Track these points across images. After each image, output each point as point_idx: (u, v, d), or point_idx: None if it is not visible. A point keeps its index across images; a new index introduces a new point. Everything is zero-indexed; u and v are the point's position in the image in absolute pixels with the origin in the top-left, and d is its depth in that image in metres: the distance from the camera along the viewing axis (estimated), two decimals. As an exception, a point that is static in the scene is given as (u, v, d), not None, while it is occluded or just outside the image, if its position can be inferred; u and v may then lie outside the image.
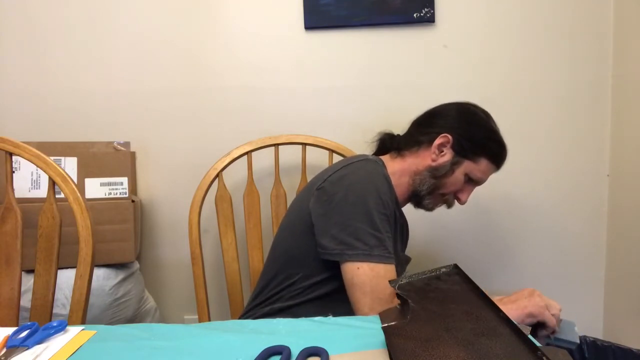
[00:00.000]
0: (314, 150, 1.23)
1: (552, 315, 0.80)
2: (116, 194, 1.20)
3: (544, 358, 0.44)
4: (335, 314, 0.68)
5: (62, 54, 1.34)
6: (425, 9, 1.29)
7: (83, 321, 0.85)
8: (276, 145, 1.20)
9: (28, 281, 1.01)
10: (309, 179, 1.08)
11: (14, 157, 0.89)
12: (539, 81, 1.34)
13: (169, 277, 1.41)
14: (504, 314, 0.53)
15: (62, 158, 1.16)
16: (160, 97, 1.35)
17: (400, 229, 0.97)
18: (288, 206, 1.05)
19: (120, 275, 1.19)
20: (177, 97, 1.35)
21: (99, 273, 1.15)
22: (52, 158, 0.88)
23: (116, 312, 1.19)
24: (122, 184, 1.20)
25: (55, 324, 0.62)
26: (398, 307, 0.59)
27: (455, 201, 0.99)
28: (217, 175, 1.15)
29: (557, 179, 1.37)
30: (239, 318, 0.99)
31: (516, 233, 1.39)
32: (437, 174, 0.93)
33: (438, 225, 1.38)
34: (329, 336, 0.58)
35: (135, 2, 1.33)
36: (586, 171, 1.36)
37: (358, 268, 0.79)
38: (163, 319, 1.40)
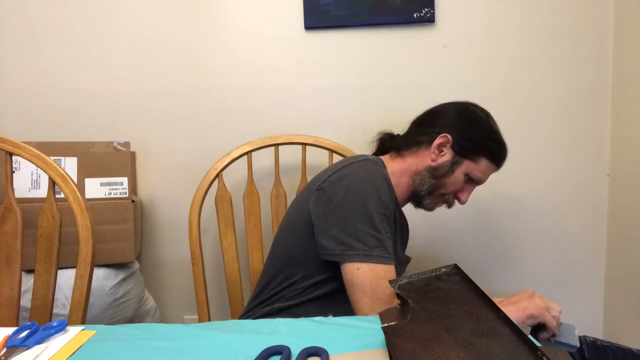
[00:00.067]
0: (314, 150, 1.23)
1: (552, 317, 0.80)
2: (116, 194, 1.20)
3: (544, 358, 0.44)
4: (335, 314, 0.68)
5: (62, 54, 1.34)
6: (425, 9, 1.29)
7: (83, 321, 0.85)
8: (276, 145, 1.20)
9: (28, 281, 1.01)
10: (309, 179, 1.08)
11: (14, 157, 0.89)
12: (539, 81, 1.34)
13: (169, 277, 1.41)
14: (504, 314, 0.53)
15: (62, 158, 1.16)
16: (160, 97, 1.35)
17: (400, 229, 0.97)
18: (288, 206, 1.05)
19: (120, 275, 1.19)
20: (177, 97, 1.35)
21: (99, 273, 1.15)
22: (52, 158, 0.88)
23: (116, 312, 1.19)
24: (122, 184, 1.20)
25: (55, 324, 0.62)
26: (398, 307, 0.59)
27: (456, 201, 0.99)
28: (217, 175, 1.15)
29: (557, 179, 1.37)
30: (239, 318, 0.99)
31: (516, 233, 1.39)
32: (437, 174, 0.93)
33: (438, 225, 1.38)
34: (329, 336, 0.58)
35: (135, 2, 1.33)
36: (586, 171, 1.36)
37: (358, 269, 0.79)
38: (163, 319, 1.40)
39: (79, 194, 0.86)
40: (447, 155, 0.92)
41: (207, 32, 1.34)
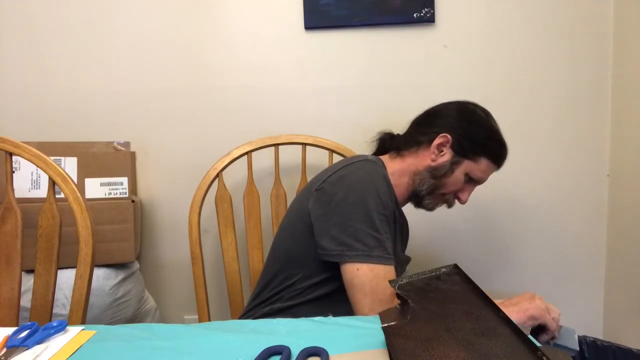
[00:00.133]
0: (314, 150, 1.23)
1: (552, 319, 0.80)
2: (116, 194, 1.19)
3: (544, 358, 0.44)
4: (335, 315, 0.68)
5: (62, 54, 1.34)
6: (425, 9, 1.29)
7: (83, 321, 0.85)
8: (276, 145, 1.20)
9: (28, 281, 1.01)
10: (309, 179, 1.08)
11: (14, 157, 0.89)
12: (539, 81, 1.34)
13: (169, 277, 1.41)
14: (504, 314, 0.53)
15: (62, 158, 1.16)
16: (160, 97, 1.35)
17: (400, 229, 0.97)
18: (288, 206, 1.05)
19: (120, 275, 1.19)
20: (177, 97, 1.35)
21: (99, 273, 1.15)
22: (52, 158, 0.88)
23: (116, 312, 1.19)
24: (122, 184, 1.20)
25: (55, 324, 0.62)
26: (398, 307, 0.59)
27: (456, 201, 0.99)
28: (217, 175, 1.15)
29: (557, 179, 1.37)
30: (239, 318, 0.99)
31: (516, 233, 1.39)
32: (437, 174, 0.93)
33: (438, 225, 1.38)
34: (329, 336, 0.58)
35: (135, 2, 1.33)
36: (586, 171, 1.36)
37: (358, 269, 0.79)
38: (163, 319, 1.40)
39: (79, 194, 0.86)
40: (447, 155, 0.92)
41: (207, 32, 1.34)
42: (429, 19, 1.30)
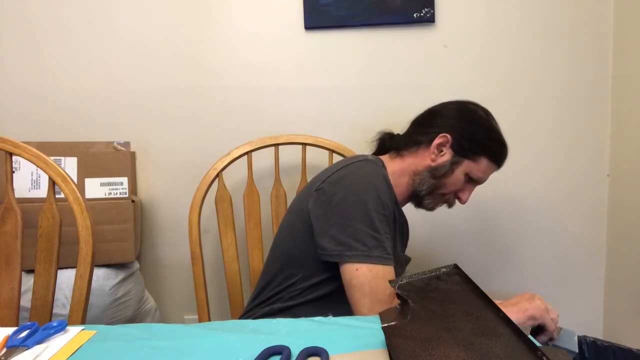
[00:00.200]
0: (314, 150, 1.23)
1: (551, 319, 0.80)
2: (116, 194, 1.20)
3: (544, 358, 0.44)
4: (335, 315, 0.68)
5: (62, 54, 1.34)
6: (425, 9, 1.29)
7: (83, 321, 0.85)
8: (276, 145, 1.20)
9: (28, 281, 1.01)
10: (309, 179, 1.08)
11: (14, 157, 0.89)
12: (539, 81, 1.34)
13: (169, 277, 1.41)
14: (504, 314, 0.53)
15: (62, 158, 1.16)
16: (160, 97, 1.35)
17: (400, 229, 0.97)
18: (288, 206, 1.05)
19: (120, 275, 1.19)
20: (177, 97, 1.35)
21: (99, 273, 1.15)
22: (52, 158, 0.88)
23: (116, 312, 1.19)
24: (122, 184, 1.20)
25: (55, 324, 0.62)
26: (398, 307, 0.59)
27: (456, 200, 0.99)
28: (217, 175, 1.15)
29: (557, 179, 1.37)
30: (239, 318, 0.99)
31: (516, 233, 1.39)
32: (437, 174, 0.92)
33: (438, 225, 1.38)
34: (329, 336, 0.58)
35: (135, 2, 1.33)
36: (586, 171, 1.36)
37: (357, 269, 0.79)
38: (163, 319, 1.40)
39: (79, 194, 0.86)
40: (447, 155, 0.92)
41: (207, 32, 1.34)
42: (429, 19, 1.30)
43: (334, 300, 0.85)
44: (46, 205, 0.87)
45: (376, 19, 1.30)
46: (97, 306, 1.14)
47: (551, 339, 0.81)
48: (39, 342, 0.60)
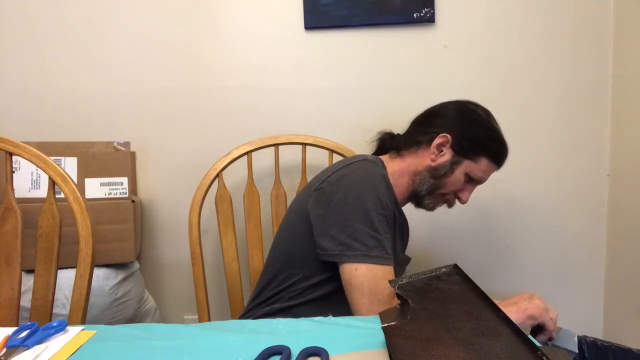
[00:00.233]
0: (314, 150, 1.23)
1: (551, 319, 0.80)
2: (116, 194, 1.19)
3: (544, 358, 0.44)
4: (335, 315, 0.68)
5: (62, 54, 1.34)
6: (425, 9, 1.29)
7: (83, 321, 0.85)
8: (276, 145, 1.20)
9: (28, 281, 1.01)
10: (309, 179, 1.08)
11: (14, 157, 0.89)
12: (539, 81, 1.34)
13: (169, 277, 1.41)
14: (504, 314, 0.53)
15: (62, 158, 1.16)
16: (160, 97, 1.35)
17: (400, 228, 0.97)
18: (288, 206, 1.05)
19: (120, 275, 1.19)
20: (177, 97, 1.35)
21: (99, 273, 1.15)
22: (52, 158, 0.88)
23: (116, 312, 1.19)
24: (122, 184, 1.20)
25: (55, 324, 0.62)
26: (398, 307, 0.59)
27: (456, 200, 0.99)
28: (217, 175, 1.15)
29: (557, 179, 1.37)
30: (239, 318, 0.99)
31: (516, 233, 1.39)
32: (437, 174, 0.92)
33: (438, 225, 1.38)
34: (329, 336, 0.58)
35: (135, 2, 1.33)
36: (586, 171, 1.36)
37: (356, 269, 0.79)
38: (163, 319, 1.40)
39: (79, 194, 0.86)
40: (447, 155, 0.92)
41: (207, 32, 1.34)
42: (429, 19, 1.30)
43: (334, 300, 0.85)
44: (46, 205, 0.87)
45: (376, 19, 1.30)
46: (97, 306, 1.14)
47: (550, 339, 0.81)
48: (39, 342, 0.60)
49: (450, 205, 1.00)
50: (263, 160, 1.28)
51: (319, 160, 1.23)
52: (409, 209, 1.00)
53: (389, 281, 0.69)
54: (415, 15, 1.30)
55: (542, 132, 1.35)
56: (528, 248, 1.40)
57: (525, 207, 1.38)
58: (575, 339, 0.81)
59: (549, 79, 1.33)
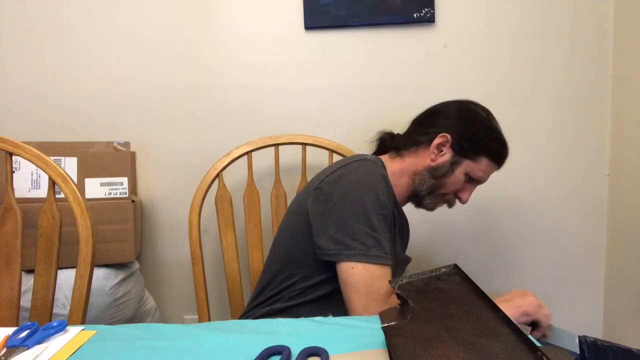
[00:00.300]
0: (314, 150, 1.23)
1: (544, 315, 0.80)
2: (116, 194, 1.19)
3: (544, 358, 0.44)
4: (335, 315, 0.68)
5: (62, 54, 1.34)
6: (425, 9, 1.29)
7: (83, 321, 0.85)
8: (276, 145, 1.20)
9: (28, 281, 1.01)
10: (309, 179, 1.08)
11: (14, 157, 0.89)
12: (539, 81, 1.34)
13: (169, 277, 1.41)
14: (504, 314, 0.53)
15: (62, 158, 1.16)
16: (160, 97, 1.35)
17: (401, 228, 0.96)
18: (288, 206, 1.05)
19: (120, 275, 1.19)
20: (177, 97, 1.35)
21: (99, 273, 1.15)
22: (52, 158, 0.88)
23: (116, 312, 1.19)
24: (122, 184, 1.20)
25: (55, 324, 0.62)
26: (398, 307, 0.59)
27: (457, 200, 0.99)
28: (217, 175, 1.15)
29: (557, 179, 1.37)
30: (239, 318, 0.99)
31: (516, 233, 1.39)
32: (437, 174, 0.92)
33: (438, 225, 1.38)
34: (329, 336, 0.58)
35: (135, 2, 1.33)
36: (586, 171, 1.36)
37: (353, 268, 0.79)
38: (163, 319, 1.40)
39: (79, 194, 0.86)
40: (447, 155, 0.92)
41: (207, 32, 1.34)
42: (429, 19, 1.30)
43: (334, 300, 0.85)
44: (46, 205, 0.87)
45: (376, 19, 1.30)
46: (97, 306, 1.14)
47: (544, 336, 0.81)
48: (39, 342, 0.60)
49: (451, 205, 1.00)
50: (263, 160, 1.28)
51: (319, 160, 1.23)
52: (409, 209, 1.00)
53: (389, 281, 0.69)
54: (415, 15, 1.30)
55: (542, 132, 1.35)
56: (528, 248, 1.40)
57: (525, 207, 1.38)
58: (576, 340, 0.81)
59: (549, 79, 1.33)
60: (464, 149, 0.91)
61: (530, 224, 1.39)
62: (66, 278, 1.05)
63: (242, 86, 1.35)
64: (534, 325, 0.80)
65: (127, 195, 1.20)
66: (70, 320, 0.84)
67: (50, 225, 0.87)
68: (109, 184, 1.19)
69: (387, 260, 0.81)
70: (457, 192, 0.96)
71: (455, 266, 0.67)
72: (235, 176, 1.29)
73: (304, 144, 1.21)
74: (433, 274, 0.67)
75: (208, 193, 1.14)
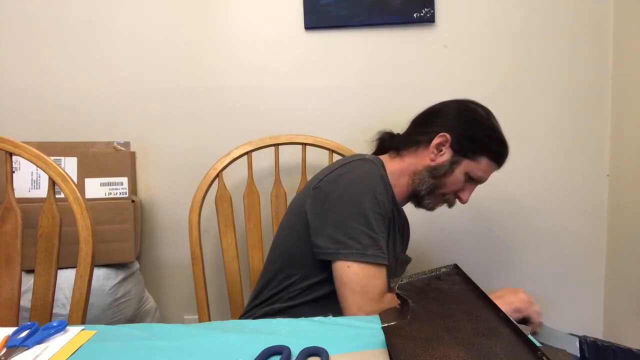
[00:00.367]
0: (314, 150, 1.23)
1: (535, 311, 0.81)
2: (116, 194, 1.20)
3: (544, 358, 0.44)
4: (335, 316, 0.68)
5: (62, 54, 1.34)
6: (425, 9, 1.29)
7: (83, 321, 0.85)
8: (276, 145, 1.20)
9: (28, 281, 1.01)
10: (309, 179, 1.07)
11: (14, 157, 0.89)
12: (539, 81, 1.34)
13: (169, 277, 1.41)
14: (504, 314, 0.53)
15: (62, 158, 1.16)
16: (160, 97, 1.35)
17: (401, 228, 0.96)
18: (288, 206, 1.05)
19: (120, 275, 1.19)
20: (177, 97, 1.35)
21: (99, 273, 1.15)
22: (52, 158, 0.88)
23: (116, 312, 1.19)
24: (122, 184, 1.20)
25: (55, 324, 0.62)
26: (398, 307, 0.59)
27: (457, 200, 0.98)
28: (217, 175, 1.15)
29: (557, 179, 1.37)
30: (239, 318, 0.99)
31: (516, 233, 1.39)
32: (437, 174, 0.92)
33: (438, 226, 1.38)
34: (329, 336, 0.58)
35: (135, 2, 1.33)
36: (586, 171, 1.36)
37: (348, 266, 0.79)
38: (163, 319, 1.40)
39: (79, 194, 0.86)
40: (446, 155, 0.92)
41: (207, 32, 1.34)
42: (429, 19, 1.30)
43: (334, 301, 0.85)
44: (46, 205, 0.87)
45: (376, 19, 1.30)
46: (97, 306, 1.14)
47: (534, 333, 0.82)
48: (39, 342, 0.60)
49: (451, 205, 1.00)
50: (263, 160, 1.28)
51: (319, 160, 1.23)
52: (409, 209, 1.00)
53: (389, 281, 0.69)
54: (415, 15, 1.30)
55: (542, 132, 1.35)
56: (528, 248, 1.40)
57: (525, 207, 1.38)
58: (577, 343, 0.81)
59: (549, 79, 1.33)
60: (463, 148, 0.91)
61: (530, 224, 1.38)
62: (66, 278, 1.05)
63: (242, 86, 1.35)
64: (525, 321, 0.81)
65: (127, 195, 1.20)
66: (70, 320, 0.84)
67: (50, 225, 0.87)
68: (109, 184, 1.19)
69: (383, 260, 0.81)
70: (457, 192, 0.96)
71: (455, 266, 0.67)
72: (235, 176, 1.28)
73: (304, 144, 1.21)
74: (433, 274, 0.67)
75: (208, 193, 1.14)
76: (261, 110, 1.35)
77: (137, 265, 1.28)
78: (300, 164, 1.22)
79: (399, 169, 0.95)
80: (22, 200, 0.92)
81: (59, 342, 0.60)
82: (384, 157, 0.98)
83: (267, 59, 1.34)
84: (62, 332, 0.62)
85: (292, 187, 1.23)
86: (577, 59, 1.32)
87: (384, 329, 0.54)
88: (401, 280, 0.65)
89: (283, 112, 1.35)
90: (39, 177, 1.15)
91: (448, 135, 0.91)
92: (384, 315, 0.57)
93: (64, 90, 1.35)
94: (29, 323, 0.63)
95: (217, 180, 1.15)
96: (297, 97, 1.35)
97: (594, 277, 1.39)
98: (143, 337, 0.61)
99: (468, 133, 0.92)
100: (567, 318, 1.36)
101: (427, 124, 0.96)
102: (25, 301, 0.93)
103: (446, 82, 1.33)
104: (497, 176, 0.99)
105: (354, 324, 0.64)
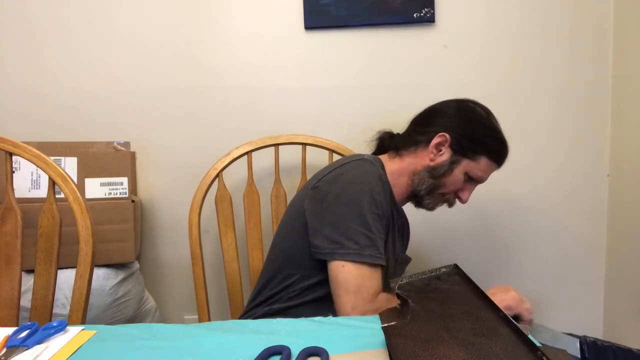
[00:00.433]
0: (314, 150, 1.23)
1: (526, 309, 0.81)
2: (116, 194, 1.19)
3: (544, 358, 0.44)
4: (334, 316, 0.68)
5: (62, 54, 1.34)
6: (425, 9, 1.29)
7: (83, 321, 0.85)
8: (276, 145, 1.20)
9: (28, 281, 1.01)
10: (308, 178, 1.08)
11: (14, 157, 0.89)
12: (539, 81, 1.34)
13: (169, 277, 1.41)
14: (504, 314, 0.53)
15: (62, 158, 1.16)
16: (160, 97, 1.35)
17: (400, 228, 0.96)
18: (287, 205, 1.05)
19: (120, 275, 1.19)
20: (177, 97, 1.35)
21: (99, 273, 1.15)
22: (52, 158, 0.88)
23: (116, 312, 1.18)
24: (122, 184, 1.20)
25: (55, 324, 0.62)
26: (398, 307, 0.59)
27: (456, 200, 0.98)
28: (217, 175, 1.15)
29: (557, 179, 1.37)
30: (239, 318, 0.99)
31: (516, 233, 1.39)
32: (436, 174, 0.92)
33: (438, 226, 1.38)
34: (329, 336, 0.58)
35: (135, 2, 1.33)
36: (586, 171, 1.36)
37: (343, 266, 0.80)
38: (163, 319, 1.40)
39: (79, 194, 0.86)
40: (446, 155, 0.92)
41: (207, 32, 1.34)
42: (429, 19, 1.30)
43: (332, 302, 0.85)
44: (46, 205, 0.87)
45: (376, 19, 1.30)
46: (97, 306, 1.14)
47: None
48: (39, 342, 0.60)
49: (451, 204, 1.00)
50: (263, 160, 1.28)
51: (319, 160, 1.23)
52: (409, 209, 1.00)
53: (389, 281, 0.69)
54: (415, 15, 1.30)
55: (542, 132, 1.35)
56: (528, 248, 1.39)
57: (525, 207, 1.38)
58: (577, 345, 0.81)
59: (549, 79, 1.33)
60: (463, 148, 0.91)
61: (530, 224, 1.38)
62: (66, 278, 1.05)
63: (242, 86, 1.35)
64: (516, 319, 0.81)
65: (127, 195, 1.20)
66: (70, 320, 0.84)
67: (50, 225, 0.87)
68: (109, 184, 1.19)
69: (380, 261, 0.81)
70: (456, 192, 0.96)
71: (455, 266, 0.67)
72: (235, 176, 1.28)
73: (304, 144, 1.21)
74: (433, 274, 0.67)
75: (208, 193, 1.14)
76: (261, 110, 1.35)
77: (137, 265, 1.28)
78: (300, 164, 1.22)
79: (398, 168, 0.95)
80: (22, 200, 0.92)
81: (59, 342, 0.60)
82: (384, 157, 0.98)
83: (267, 59, 1.34)
84: (62, 332, 0.62)
85: (292, 187, 1.23)
86: (577, 59, 1.32)
87: (384, 329, 0.54)
88: (401, 280, 0.65)
89: (283, 112, 1.35)
90: (39, 177, 1.15)
91: (447, 135, 0.91)
92: (384, 315, 0.57)
93: (64, 90, 1.35)
94: (29, 323, 0.63)
95: (217, 180, 1.15)
96: (297, 97, 1.35)
97: (594, 277, 1.39)
98: (143, 337, 0.61)
99: (467, 133, 0.91)
100: (567, 318, 1.36)
101: (426, 123, 0.96)
102: (25, 301, 0.93)
103: (446, 82, 1.33)
104: (497, 176, 0.99)
105: (354, 324, 0.64)
